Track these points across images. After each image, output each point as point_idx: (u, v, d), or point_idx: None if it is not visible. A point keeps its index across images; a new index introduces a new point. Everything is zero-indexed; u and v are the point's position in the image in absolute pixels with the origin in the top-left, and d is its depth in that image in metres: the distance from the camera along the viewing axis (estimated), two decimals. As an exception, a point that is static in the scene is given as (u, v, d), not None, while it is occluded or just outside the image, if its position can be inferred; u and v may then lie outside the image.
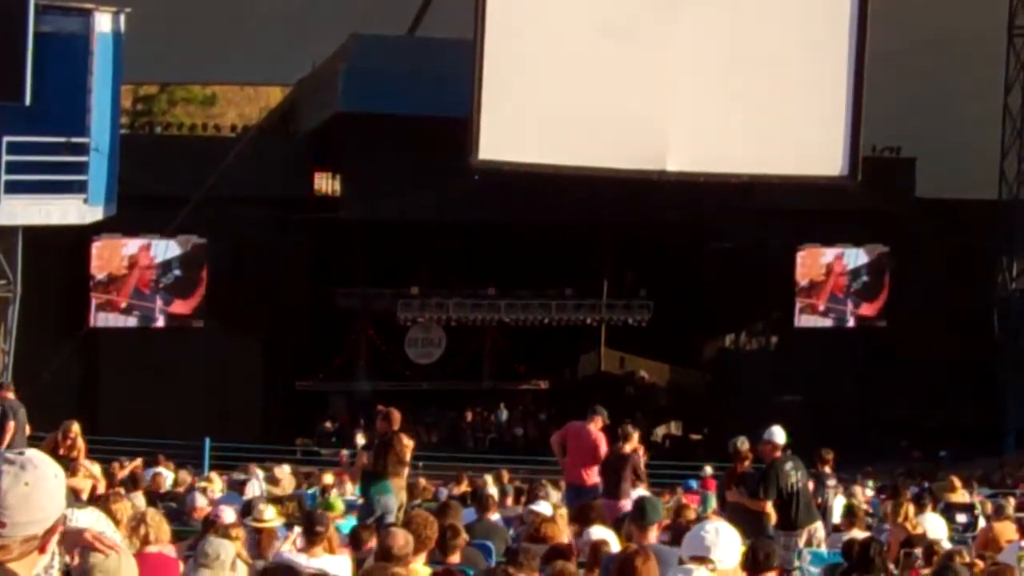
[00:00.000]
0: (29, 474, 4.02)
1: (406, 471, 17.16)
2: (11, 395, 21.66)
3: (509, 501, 19.01)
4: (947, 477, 24.15)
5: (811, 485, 16.46)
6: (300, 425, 40.79)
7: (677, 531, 12.04)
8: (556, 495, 18.52)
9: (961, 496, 22.33)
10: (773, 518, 15.61)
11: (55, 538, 4.11)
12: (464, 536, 10.54)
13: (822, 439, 22.65)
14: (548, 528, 11.46)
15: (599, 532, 11.44)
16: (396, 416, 17.08)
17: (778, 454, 15.86)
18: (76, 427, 16.38)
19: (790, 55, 33.74)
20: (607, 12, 33.03)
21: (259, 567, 9.56)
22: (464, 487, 22.19)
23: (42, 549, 4.08)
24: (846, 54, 33.64)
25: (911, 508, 15.91)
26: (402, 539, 9.34)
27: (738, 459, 16.66)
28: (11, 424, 20.59)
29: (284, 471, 21.07)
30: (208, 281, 38.86)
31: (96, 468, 18.30)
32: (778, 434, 15.95)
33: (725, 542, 6.89)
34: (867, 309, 43.32)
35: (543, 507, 14.48)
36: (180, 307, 38.91)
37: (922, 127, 39.32)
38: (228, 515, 12.64)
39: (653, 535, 10.74)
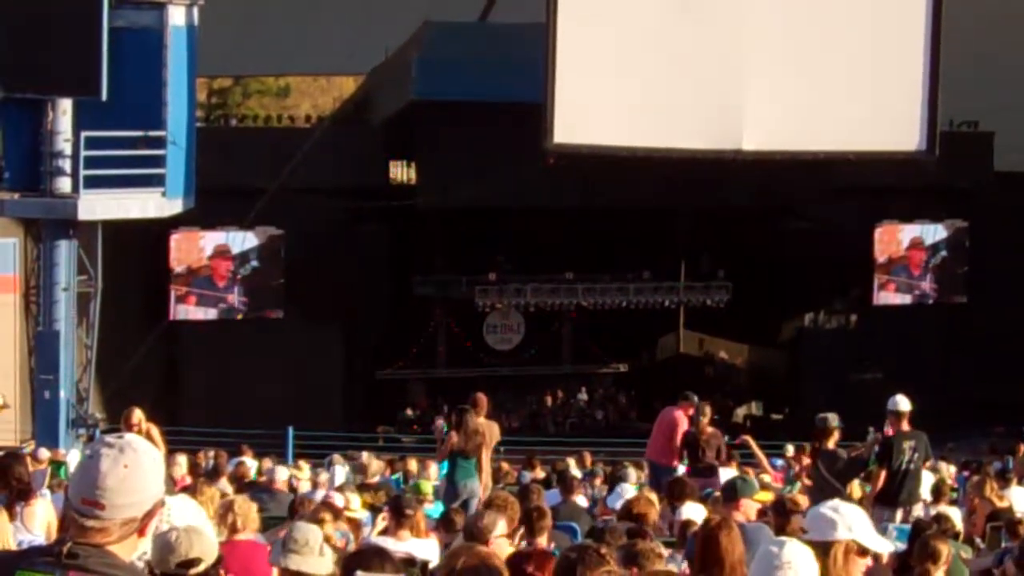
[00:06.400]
0: (128, 457, 4.06)
1: (483, 450, 17.23)
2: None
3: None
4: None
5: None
6: (381, 413, 40.91)
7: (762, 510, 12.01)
8: (640, 476, 18.54)
9: (1048, 471, 22.06)
10: (876, 489, 15.41)
11: (154, 522, 4.15)
12: (550, 518, 10.52)
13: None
14: (639, 507, 11.42)
15: (691, 509, 11.39)
16: (479, 399, 17.39)
17: (903, 426, 15.51)
18: (139, 413, 14.67)
19: (865, 30, 33.45)
20: (680, -9, 32.93)
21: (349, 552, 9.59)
22: (538, 471, 22.17)
23: (141, 532, 4.11)
24: (922, 28, 33.28)
25: (994, 482, 15.76)
26: (488, 519, 9.35)
27: (825, 436, 16.33)
28: None
29: (370, 458, 21.09)
30: (286, 272, 39.04)
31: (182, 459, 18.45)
32: (899, 402, 15.53)
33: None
34: (946, 285, 42.99)
35: (627, 489, 14.46)
36: (259, 298, 39.12)
37: (1000, 101, 38.93)
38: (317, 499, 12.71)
39: (740, 513, 10.67)
